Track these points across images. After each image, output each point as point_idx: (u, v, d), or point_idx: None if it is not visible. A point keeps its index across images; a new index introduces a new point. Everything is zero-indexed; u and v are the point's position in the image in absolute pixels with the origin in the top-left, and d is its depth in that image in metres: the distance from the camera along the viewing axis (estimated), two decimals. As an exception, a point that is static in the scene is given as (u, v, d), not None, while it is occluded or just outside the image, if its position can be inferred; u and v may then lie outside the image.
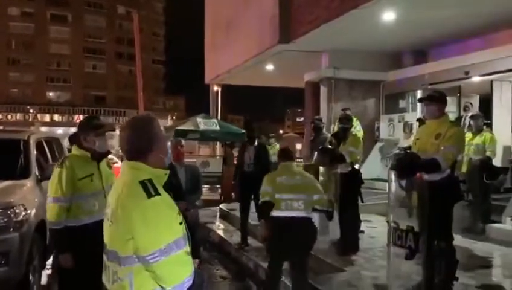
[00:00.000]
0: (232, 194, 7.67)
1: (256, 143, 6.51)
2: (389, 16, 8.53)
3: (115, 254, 1.81)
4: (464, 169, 6.62)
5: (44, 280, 5.16)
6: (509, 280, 4.97)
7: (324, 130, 7.85)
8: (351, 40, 10.52)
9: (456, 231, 4.75)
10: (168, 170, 1.98)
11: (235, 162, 7.00)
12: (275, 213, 4.27)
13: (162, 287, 1.75)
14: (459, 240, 5.39)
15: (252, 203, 6.70)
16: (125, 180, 1.86)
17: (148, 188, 1.76)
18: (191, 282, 1.77)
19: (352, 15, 8.54)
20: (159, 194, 1.77)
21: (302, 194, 4.27)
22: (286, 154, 4.62)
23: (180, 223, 1.81)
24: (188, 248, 1.81)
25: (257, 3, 12.49)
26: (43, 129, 37.39)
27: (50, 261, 5.44)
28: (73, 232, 3.38)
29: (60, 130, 40.35)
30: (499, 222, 6.46)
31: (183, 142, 4.75)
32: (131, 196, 1.77)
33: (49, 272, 5.54)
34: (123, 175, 1.91)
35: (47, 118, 58.18)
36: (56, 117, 59.28)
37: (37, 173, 5.03)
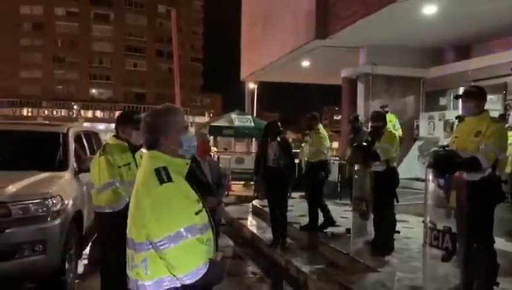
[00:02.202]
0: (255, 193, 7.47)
1: (278, 138, 6.36)
2: (429, 9, 8.24)
3: (132, 241, 1.85)
4: (509, 169, 6.30)
5: (80, 269, 5.31)
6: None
7: (364, 127, 7.63)
8: (389, 36, 10.24)
9: (499, 234, 4.53)
10: (188, 159, 1.97)
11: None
12: None
13: (175, 275, 1.75)
14: (502, 243, 5.12)
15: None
16: (143, 169, 1.90)
17: (162, 175, 1.78)
18: (204, 271, 1.74)
19: (391, 9, 8.30)
20: (172, 181, 1.78)
21: None
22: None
23: (197, 213, 1.81)
24: (204, 237, 1.80)
25: (293, -1, 12.40)
26: (86, 124, 38.78)
27: (86, 250, 5.61)
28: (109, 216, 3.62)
29: (101, 126, 41.72)
30: (546, 225, 6.11)
31: (209, 137, 4.76)
32: (145, 183, 1.81)
33: (85, 261, 5.71)
34: (143, 165, 1.94)
35: (89, 114, 60.35)
36: (98, 113, 61.38)
37: (75, 166, 5.18)
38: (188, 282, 1.73)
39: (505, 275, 4.25)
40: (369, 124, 8.08)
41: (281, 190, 6.42)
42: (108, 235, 3.68)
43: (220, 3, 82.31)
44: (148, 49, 65.87)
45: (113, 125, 4.10)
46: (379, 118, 5.69)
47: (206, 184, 4.24)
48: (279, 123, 6.63)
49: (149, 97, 64.31)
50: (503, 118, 7.77)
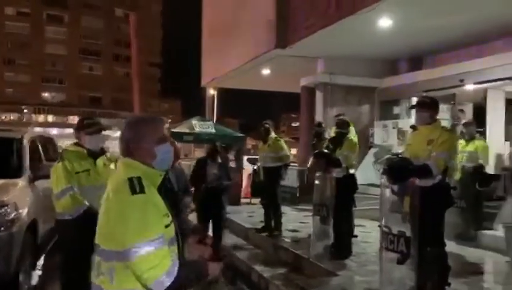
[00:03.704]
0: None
1: (219, 159, 6.29)
2: (385, 22, 8.58)
3: (99, 248, 1.83)
4: (457, 176, 6.65)
5: (35, 280, 5.11)
6: (501, 286, 4.99)
7: (326, 134, 7.90)
8: (347, 47, 10.56)
9: (449, 237, 4.78)
10: (162, 171, 1.94)
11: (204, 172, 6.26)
12: None
13: (143, 285, 1.73)
14: (452, 246, 5.41)
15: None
16: (116, 177, 1.87)
17: (134, 185, 1.75)
18: (171, 280, 1.73)
19: (349, 21, 8.57)
20: (144, 193, 1.76)
21: None
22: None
23: (167, 226, 1.80)
24: (170, 250, 1.79)
25: (254, 8, 12.53)
26: (38, 129, 37.29)
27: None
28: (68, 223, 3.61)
29: (54, 131, 40.23)
30: (491, 228, 6.49)
31: (176, 143, 4.70)
32: (116, 192, 1.78)
33: (39, 272, 5.50)
34: (118, 172, 1.91)
35: (41, 118, 58.02)
36: (50, 118, 59.12)
37: (29, 173, 5.01)
38: None
39: (456, 276, 4.49)
40: (332, 130, 8.38)
41: (220, 210, 6.25)
42: (69, 243, 3.63)
43: (180, 9, 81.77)
44: (105, 52, 64.26)
45: (67, 131, 4.06)
46: (344, 125, 5.89)
47: (172, 193, 4.22)
48: (217, 144, 6.47)
49: (105, 101, 62.72)
50: (454, 128, 8.18)
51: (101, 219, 1.83)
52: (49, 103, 61.05)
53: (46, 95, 62.41)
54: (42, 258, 5.54)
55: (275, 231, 7.11)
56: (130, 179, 1.77)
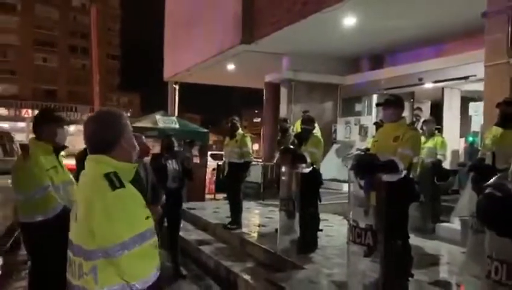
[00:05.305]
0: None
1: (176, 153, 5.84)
2: (349, 21, 8.78)
3: (80, 248, 1.77)
4: (417, 171, 6.91)
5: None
6: (457, 276, 5.25)
7: (290, 130, 8.02)
8: (311, 44, 10.73)
9: (408, 230, 4.98)
10: (136, 164, 1.96)
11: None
12: None
13: (127, 282, 1.71)
14: (411, 238, 5.61)
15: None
16: (90, 174, 1.83)
17: (113, 180, 1.74)
18: (156, 276, 1.74)
19: (314, 19, 8.72)
20: (124, 187, 1.76)
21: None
22: None
23: (147, 218, 1.79)
24: (155, 242, 1.80)
25: (220, 2, 12.47)
26: (-11, 123, 35.42)
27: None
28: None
29: (5, 125, 38.38)
30: (448, 221, 6.81)
31: (144, 138, 4.57)
32: (95, 189, 1.75)
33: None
34: (88, 169, 1.87)
35: (-9, 111, 55.15)
36: (1, 111, 56.29)
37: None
38: (140, 288, 1.71)
39: (416, 267, 4.66)
40: (295, 126, 8.51)
41: (180, 208, 5.96)
42: (43, 247, 3.29)
43: (140, 2, 80.00)
44: (60, 43, 61.74)
45: (20, 124, 3.82)
46: (309, 121, 6.00)
47: (142, 186, 4.13)
48: (173, 138, 5.94)
49: (60, 94, 60.32)
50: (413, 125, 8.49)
51: (80, 218, 1.78)
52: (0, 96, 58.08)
53: (-4, 86, 59.37)
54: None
55: (234, 225, 7.14)
56: (107, 175, 1.76)
